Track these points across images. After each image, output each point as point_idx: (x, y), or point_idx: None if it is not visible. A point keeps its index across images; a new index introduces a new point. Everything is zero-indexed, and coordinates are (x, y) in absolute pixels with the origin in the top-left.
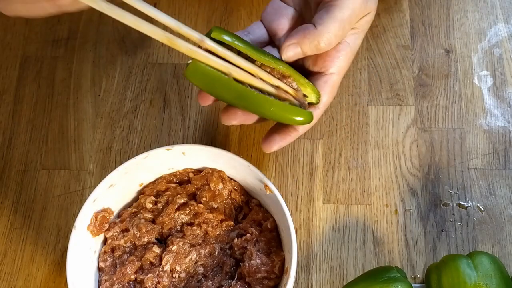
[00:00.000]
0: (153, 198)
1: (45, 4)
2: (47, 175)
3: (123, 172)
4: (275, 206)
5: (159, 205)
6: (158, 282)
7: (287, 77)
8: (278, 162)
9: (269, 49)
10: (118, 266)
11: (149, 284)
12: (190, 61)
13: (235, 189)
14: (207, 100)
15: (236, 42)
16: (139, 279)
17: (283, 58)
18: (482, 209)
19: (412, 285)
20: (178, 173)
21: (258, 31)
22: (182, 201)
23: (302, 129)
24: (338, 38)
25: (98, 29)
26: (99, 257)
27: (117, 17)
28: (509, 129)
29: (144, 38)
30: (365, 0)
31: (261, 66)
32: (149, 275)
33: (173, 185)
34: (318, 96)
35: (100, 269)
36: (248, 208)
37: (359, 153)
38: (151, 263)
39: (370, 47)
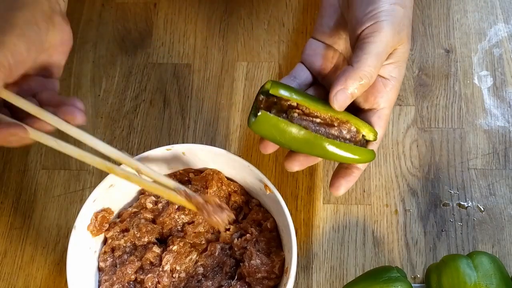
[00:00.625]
0: (153, 198)
1: (13, 144)
2: (47, 175)
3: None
4: (275, 206)
5: (160, 205)
6: (158, 282)
7: (345, 122)
8: (278, 162)
9: (316, 88)
10: (118, 266)
11: (149, 284)
12: (260, 113)
13: (234, 191)
14: (270, 149)
15: (294, 96)
16: (139, 279)
17: (336, 108)
18: (482, 209)
19: (412, 285)
20: (178, 173)
21: (302, 74)
22: None
23: (363, 166)
24: (377, 70)
25: (98, 29)
26: (99, 257)
27: (64, 151)
28: (509, 129)
29: (144, 38)
30: (396, 32)
31: (319, 115)
32: (149, 275)
33: None
34: (375, 134)
35: (100, 269)
36: (248, 208)
37: None
38: (151, 263)
39: None
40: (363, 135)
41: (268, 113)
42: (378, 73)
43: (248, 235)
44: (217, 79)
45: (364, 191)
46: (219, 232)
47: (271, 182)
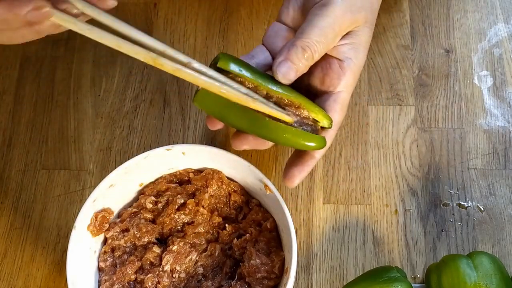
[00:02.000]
0: (153, 198)
1: (24, 31)
2: (47, 175)
3: (123, 172)
4: (275, 206)
5: (159, 205)
6: (158, 282)
7: (296, 106)
8: (278, 162)
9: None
10: (118, 266)
11: (149, 284)
12: (199, 88)
13: (234, 191)
14: (217, 125)
15: (243, 72)
16: (139, 279)
17: (280, 79)
18: (482, 209)
19: (412, 285)
20: (178, 173)
21: (261, 55)
22: (183, 201)
23: (319, 154)
24: (322, 44)
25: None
26: (99, 257)
27: (97, 38)
28: (509, 129)
29: None
30: (349, 11)
31: (267, 94)
32: (149, 275)
33: (173, 185)
34: (330, 121)
35: (100, 269)
36: (248, 208)
37: (359, 153)
38: (151, 263)
39: (370, 47)
40: (315, 121)
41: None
42: (327, 48)
43: (248, 235)
44: None
45: (364, 191)
46: (218, 232)
47: (271, 182)
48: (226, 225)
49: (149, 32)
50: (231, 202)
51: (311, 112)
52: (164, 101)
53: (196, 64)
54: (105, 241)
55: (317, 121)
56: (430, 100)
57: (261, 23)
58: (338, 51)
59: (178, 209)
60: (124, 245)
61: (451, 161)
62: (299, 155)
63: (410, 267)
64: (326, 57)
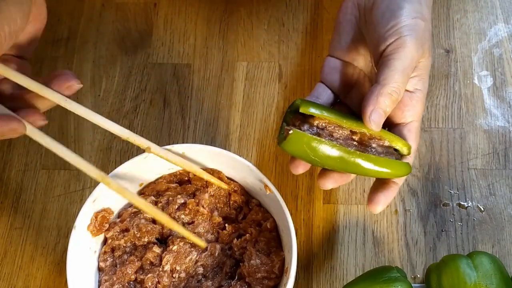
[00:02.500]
0: (153, 198)
1: (6, 137)
2: (47, 175)
3: (123, 172)
4: (275, 206)
5: (160, 205)
6: (158, 282)
7: (378, 138)
8: (278, 162)
9: (338, 107)
10: (118, 266)
11: (149, 284)
12: (291, 132)
13: (235, 191)
14: (302, 169)
15: (325, 114)
16: (139, 279)
17: (373, 129)
18: (482, 209)
19: (412, 285)
20: (178, 173)
21: (324, 94)
22: (183, 201)
23: (400, 181)
24: (404, 85)
25: (98, 29)
26: (99, 257)
27: (57, 152)
28: (509, 129)
29: (144, 38)
30: (420, 46)
31: (351, 131)
32: (149, 275)
33: (173, 185)
34: (409, 147)
35: (100, 269)
36: (248, 208)
37: None
38: (151, 263)
39: None
40: (396, 150)
41: (300, 131)
42: (403, 90)
43: (247, 235)
44: (217, 79)
45: (364, 191)
46: (218, 232)
47: (271, 182)
48: (226, 225)
49: (149, 32)
50: (231, 202)
51: (391, 142)
52: (164, 101)
53: (154, 148)
54: (105, 241)
55: (397, 149)
56: (430, 100)
57: (261, 23)
58: (409, 84)
59: (178, 209)
60: (124, 245)
61: (451, 161)
62: (383, 182)
63: (410, 267)
64: None
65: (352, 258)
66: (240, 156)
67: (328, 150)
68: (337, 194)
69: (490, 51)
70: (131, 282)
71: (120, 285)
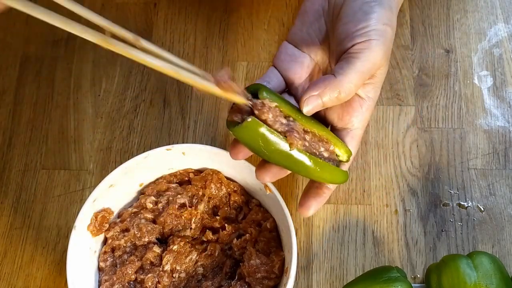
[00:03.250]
0: (153, 198)
1: None
2: (47, 175)
3: (123, 172)
4: (275, 206)
5: (160, 205)
6: (158, 282)
7: (325, 141)
8: None
9: (285, 96)
10: (118, 266)
11: (149, 284)
12: (249, 119)
13: (234, 191)
14: (242, 155)
15: (284, 106)
16: (139, 279)
17: (303, 112)
18: (482, 209)
19: (412, 285)
20: (178, 173)
21: (275, 79)
22: (183, 201)
23: (333, 186)
24: (357, 88)
25: (98, 29)
26: (99, 257)
27: (43, 17)
28: (509, 129)
29: (144, 38)
30: (384, 54)
31: (304, 129)
32: (149, 275)
33: (174, 185)
34: (350, 155)
35: (100, 269)
36: (248, 208)
37: (359, 153)
38: (151, 263)
39: None
40: (337, 155)
41: (259, 120)
42: (357, 92)
43: (247, 235)
44: None
45: (364, 191)
46: (218, 232)
47: (271, 182)
48: (226, 225)
49: (149, 32)
50: (231, 202)
51: (335, 146)
52: (164, 101)
53: (144, 43)
54: (105, 241)
55: (338, 155)
56: (430, 100)
57: (261, 23)
58: (362, 90)
59: (178, 209)
60: (124, 245)
61: (451, 161)
62: (316, 186)
63: (410, 267)
64: None
65: (352, 258)
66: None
67: (281, 146)
68: (337, 194)
69: (490, 51)
70: (131, 282)
71: (120, 285)
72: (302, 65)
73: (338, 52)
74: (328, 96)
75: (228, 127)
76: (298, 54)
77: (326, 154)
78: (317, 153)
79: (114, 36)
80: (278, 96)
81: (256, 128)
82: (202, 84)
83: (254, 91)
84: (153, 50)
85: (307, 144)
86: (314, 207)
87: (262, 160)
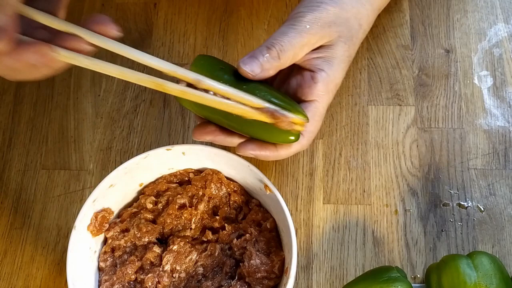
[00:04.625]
0: (153, 198)
1: (44, 70)
2: (47, 175)
3: (123, 172)
4: (275, 206)
5: (160, 205)
6: (158, 282)
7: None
8: (278, 162)
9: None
10: (118, 266)
11: (149, 284)
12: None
13: (234, 191)
14: (204, 135)
15: (215, 85)
16: (139, 279)
17: (243, 74)
18: (482, 209)
19: (412, 285)
20: (178, 173)
21: None
22: (183, 201)
23: (283, 152)
24: (287, 47)
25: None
26: (99, 257)
27: (101, 70)
28: (509, 129)
29: (144, 38)
30: (317, 24)
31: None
32: (149, 275)
33: (174, 185)
34: (303, 116)
35: (100, 269)
36: (248, 208)
37: (359, 153)
38: (151, 263)
39: (370, 47)
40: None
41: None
42: (295, 56)
43: (247, 235)
44: None
45: (364, 191)
46: (218, 232)
47: (271, 182)
48: (226, 225)
49: (149, 32)
50: (231, 202)
51: (289, 110)
52: (164, 101)
53: (208, 82)
54: (105, 241)
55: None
56: (430, 100)
57: (261, 23)
58: (311, 64)
59: (178, 209)
60: (124, 245)
61: (451, 161)
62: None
63: (410, 267)
64: (300, 70)
65: (352, 258)
66: (239, 156)
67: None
68: (337, 194)
69: (490, 51)
70: (131, 282)
71: (120, 285)
72: None
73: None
74: (260, 53)
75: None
76: None
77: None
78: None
79: (174, 79)
80: (216, 69)
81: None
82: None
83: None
84: (215, 88)
85: None
86: (252, 150)
87: (201, 121)
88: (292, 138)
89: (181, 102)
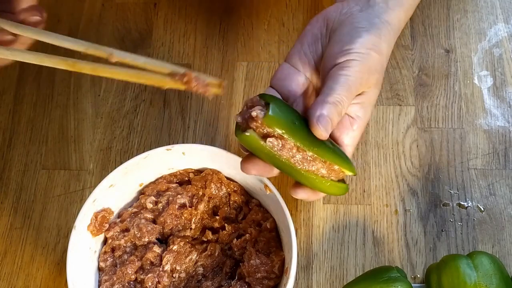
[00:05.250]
0: (153, 198)
1: None
2: (47, 175)
3: (123, 172)
4: (275, 206)
5: (160, 205)
6: (158, 282)
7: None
8: None
9: None
10: (118, 266)
11: (149, 284)
12: (248, 133)
13: (234, 191)
14: (252, 170)
15: (287, 134)
16: (139, 279)
17: (321, 132)
18: (482, 209)
19: (412, 285)
20: (178, 173)
21: None
22: (183, 201)
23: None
24: (347, 99)
25: (98, 29)
26: (99, 257)
27: (21, 59)
28: (509, 129)
29: (144, 38)
30: (366, 73)
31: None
32: (149, 275)
33: (174, 185)
34: (353, 173)
35: (100, 269)
36: (248, 208)
37: (359, 153)
38: (151, 263)
39: None
40: (342, 172)
41: (256, 136)
42: (347, 107)
43: (247, 235)
44: None
45: (364, 191)
46: (218, 232)
47: (271, 182)
48: (226, 225)
49: (149, 32)
50: (231, 202)
51: (339, 165)
52: (164, 101)
53: (120, 53)
54: (105, 241)
55: (342, 171)
56: (430, 100)
57: (261, 23)
58: (350, 109)
59: (178, 209)
60: (124, 245)
61: (451, 161)
62: None
63: (410, 267)
64: None
65: (352, 258)
66: (240, 156)
67: (278, 160)
68: None
69: (490, 51)
70: (131, 282)
71: (120, 285)
72: (297, 82)
73: (324, 72)
74: (329, 111)
75: (235, 134)
76: (294, 73)
77: (324, 171)
78: (310, 170)
79: (87, 56)
80: (287, 119)
81: (254, 142)
82: (167, 83)
83: (266, 102)
84: (126, 60)
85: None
86: (302, 196)
87: (248, 154)
88: (339, 191)
89: (256, 152)
